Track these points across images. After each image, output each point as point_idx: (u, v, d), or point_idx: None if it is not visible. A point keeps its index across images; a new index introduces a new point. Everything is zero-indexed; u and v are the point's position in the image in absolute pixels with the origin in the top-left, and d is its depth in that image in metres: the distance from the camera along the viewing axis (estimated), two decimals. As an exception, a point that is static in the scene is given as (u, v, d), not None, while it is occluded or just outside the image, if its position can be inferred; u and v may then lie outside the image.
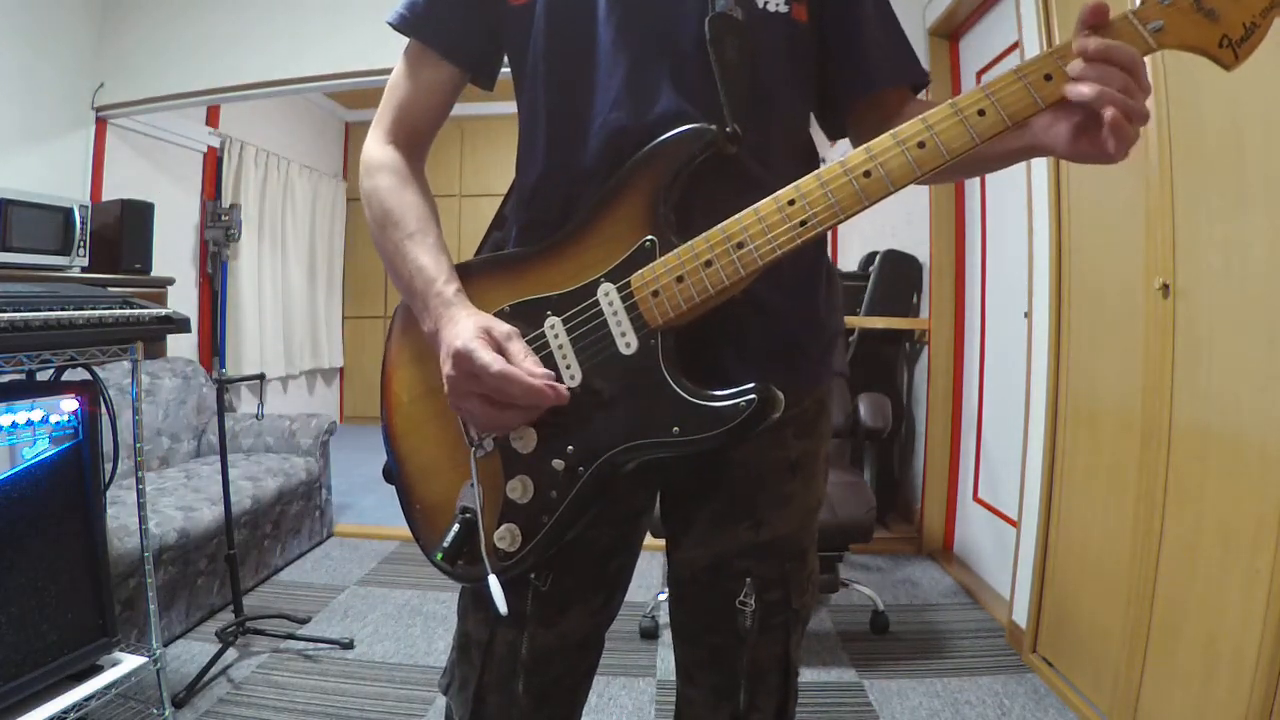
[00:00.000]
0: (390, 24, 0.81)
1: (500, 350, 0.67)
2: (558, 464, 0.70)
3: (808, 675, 1.99)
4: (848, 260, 4.37)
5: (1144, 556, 1.56)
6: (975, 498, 2.82)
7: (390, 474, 0.82)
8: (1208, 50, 0.59)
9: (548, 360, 0.70)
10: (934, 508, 3.01)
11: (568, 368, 0.70)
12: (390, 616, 2.37)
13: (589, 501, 0.70)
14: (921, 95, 0.84)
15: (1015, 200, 2.32)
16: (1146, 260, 1.57)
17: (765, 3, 0.74)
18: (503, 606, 0.69)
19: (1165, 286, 1.50)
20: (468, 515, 0.73)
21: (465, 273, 0.75)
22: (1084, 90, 0.57)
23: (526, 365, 0.66)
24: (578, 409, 0.69)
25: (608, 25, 0.73)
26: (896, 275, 3.22)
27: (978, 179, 2.82)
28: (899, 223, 3.50)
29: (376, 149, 0.80)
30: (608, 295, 0.69)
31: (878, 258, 3.28)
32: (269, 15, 3.00)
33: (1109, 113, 0.57)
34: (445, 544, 0.73)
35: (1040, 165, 2.04)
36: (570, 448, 0.69)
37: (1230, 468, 1.34)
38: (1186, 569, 1.44)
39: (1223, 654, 1.33)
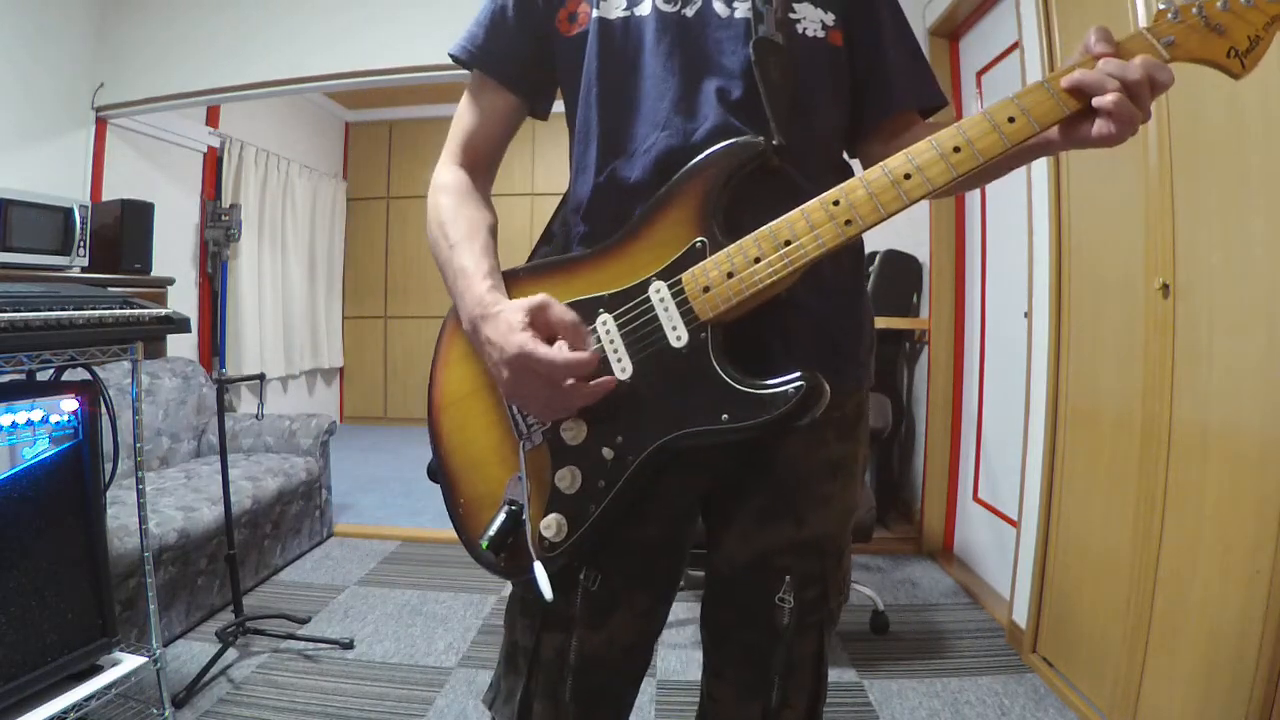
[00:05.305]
0: (451, 55, 0.87)
1: (546, 328, 0.70)
2: (607, 453, 0.72)
3: (808, 675, 1.99)
4: (848, 260, 4.37)
5: (1144, 556, 1.56)
6: (975, 498, 2.82)
7: (434, 472, 0.84)
8: (1217, 61, 0.64)
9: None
10: (934, 508, 3.01)
11: (618, 360, 0.73)
12: (390, 616, 2.37)
13: (637, 491, 0.72)
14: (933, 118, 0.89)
15: (1015, 200, 2.32)
16: (1146, 260, 1.57)
17: (805, 29, 0.79)
18: (548, 592, 0.71)
19: (1165, 286, 1.50)
20: (514, 507, 0.75)
21: (515, 277, 0.79)
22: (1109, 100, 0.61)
23: (583, 350, 0.70)
24: (628, 400, 0.72)
25: (656, 51, 0.78)
26: (896, 275, 3.22)
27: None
28: (899, 223, 3.48)
29: (442, 171, 0.86)
30: (659, 292, 0.72)
31: (878, 258, 3.27)
32: (270, 16, 3.00)
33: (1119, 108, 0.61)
34: (490, 532, 0.74)
35: (1040, 165, 2.04)
36: (620, 438, 0.72)
37: (1230, 468, 1.34)
38: (1186, 569, 1.44)
39: (1223, 654, 1.33)
